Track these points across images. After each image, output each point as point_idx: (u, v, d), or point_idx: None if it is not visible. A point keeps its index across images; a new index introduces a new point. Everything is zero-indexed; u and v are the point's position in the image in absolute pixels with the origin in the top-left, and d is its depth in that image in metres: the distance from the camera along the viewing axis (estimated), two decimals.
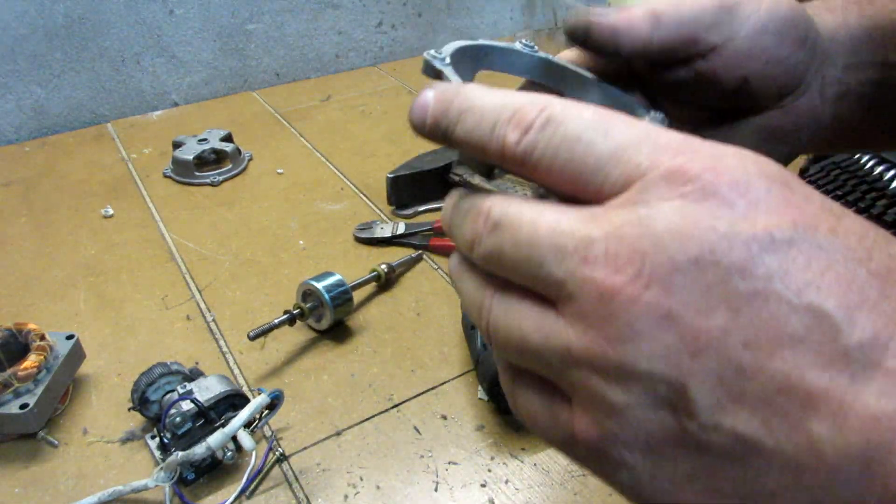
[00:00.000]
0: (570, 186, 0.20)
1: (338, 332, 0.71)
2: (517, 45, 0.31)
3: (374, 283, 0.77)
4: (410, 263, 0.80)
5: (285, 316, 0.68)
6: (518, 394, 0.23)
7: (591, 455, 0.20)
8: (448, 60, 0.26)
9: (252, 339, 0.66)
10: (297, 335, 0.71)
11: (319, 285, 0.69)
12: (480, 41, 0.29)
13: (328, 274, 0.71)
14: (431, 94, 0.23)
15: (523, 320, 0.21)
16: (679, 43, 0.30)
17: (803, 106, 0.33)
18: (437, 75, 0.26)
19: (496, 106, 0.21)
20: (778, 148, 0.34)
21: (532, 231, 0.20)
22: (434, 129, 0.23)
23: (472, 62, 0.28)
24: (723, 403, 0.17)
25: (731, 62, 0.31)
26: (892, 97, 0.34)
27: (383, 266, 0.77)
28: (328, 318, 0.69)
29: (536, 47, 0.31)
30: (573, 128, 0.20)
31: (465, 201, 0.23)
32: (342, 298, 0.70)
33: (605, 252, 0.18)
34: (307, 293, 0.70)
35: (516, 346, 0.21)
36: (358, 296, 0.74)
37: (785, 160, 0.34)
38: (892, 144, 0.38)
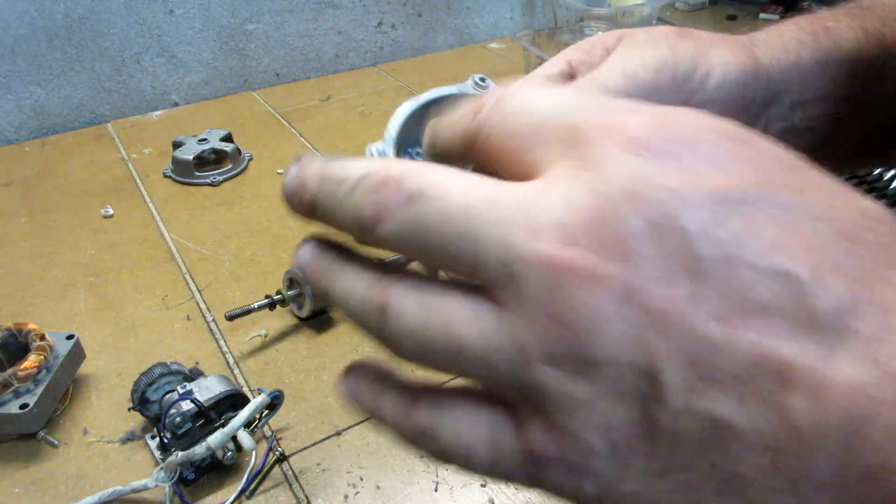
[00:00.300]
0: (509, 159, 0.18)
1: (337, 331, 0.71)
2: (469, 85, 0.30)
3: None
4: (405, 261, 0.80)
5: (265, 300, 0.69)
6: (441, 428, 0.18)
7: (551, 472, 0.17)
8: (390, 150, 0.25)
9: (229, 319, 0.68)
10: (299, 340, 0.71)
11: (295, 276, 0.71)
12: (426, 96, 0.28)
13: None
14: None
15: (452, 319, 0.17)
16: None
17: None
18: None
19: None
20: None
21: (465, 201, 0.17)
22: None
23: (427, 118, 0.29)
24: (694, 385, 0.15)
25: None
26: (846, 127, 0.34)
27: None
28: (308, 306, 0.70)
29: (489, 82, 0.30)
30: (519, 100, 0.19)
31: (350, 165, 0.18)
32: None
33: (553, 222, 0.16)
34: (292, 280, 0.72)
35: (444, 355, 0.17)
36: None
37: None
38: (848, 170, 0.38)
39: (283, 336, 0.71)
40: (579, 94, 0.18)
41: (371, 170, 0.18)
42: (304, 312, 0.71)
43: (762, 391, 0.15)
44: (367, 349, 0.69)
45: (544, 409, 0.16)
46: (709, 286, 0.15)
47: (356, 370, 0.21)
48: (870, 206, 0.16)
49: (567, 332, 0.16)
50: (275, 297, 0.70)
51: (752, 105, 0.32)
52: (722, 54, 0.31)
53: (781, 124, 0.33)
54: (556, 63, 0.31)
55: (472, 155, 0.20)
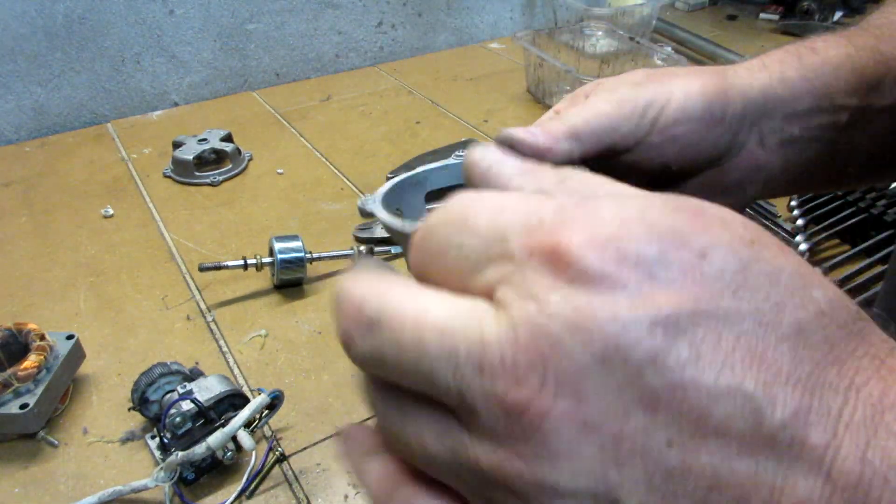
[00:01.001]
0: (457, 279, 0.18)
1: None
2: (451, 160, 0.34)
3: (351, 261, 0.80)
4: (396, 255, 0.83)
5: (240, 261, 0.75)
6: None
7: None
8: (378, 200, 0.30)
9: (202, 270, 0.74)
10: (299, 340, 0.71)
11: (277, 243, 0.75)
12: (415, 172, 0.32)
13: (293, 237, 0.77)
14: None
15: (423, 431, 0.17)
16: (599, 152, 0.32)
17: (742, 161, 0.35)
18: (370, 215, 0.30)
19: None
20: (725, 200, 0.35)
21: (416, 333, 0.17)
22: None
23: (417, 188, 0.32)
24: None
25: (650, 154, 0.33)
26: (852, 137, 0.35)
27: (362, 248, 0.81)
28: (276, 275, 0.76)
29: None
30: (443, 235, 0.18)
31: (340, 285, 0.19)
32: (292, 261, 0.75)
33: (501, 360, 0.16)
34: (271, 250, 0.76)
35: (420, 458, 0.18)
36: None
37: (739, 209, 0.36)
38: (865, 182, 0.39)
39: (255, 295, 0.76)
40: (519, 201, 0.18)
41: (341, 293, 0.19)
42: (274, 281, 0.77)
43: None
44: None
45: None
46: (663, 414, 0.15)
47: (349, 434, 0.22)
48: (821, 296, 0.16)
49: (525, 466, 0.16)
50: (248, 261, 0.75)
51: (730, 120, 0.34)
52: (684, 82, 0.33)
53: (778, 136, 0.35)
54: (547, 115, 0.33)
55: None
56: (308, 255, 0.76)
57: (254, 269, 0.75)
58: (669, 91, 0.33)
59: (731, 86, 0.34)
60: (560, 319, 0.16)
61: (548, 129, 0.30)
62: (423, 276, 0.19)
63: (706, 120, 0.33)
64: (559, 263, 0.16)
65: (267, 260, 0.75)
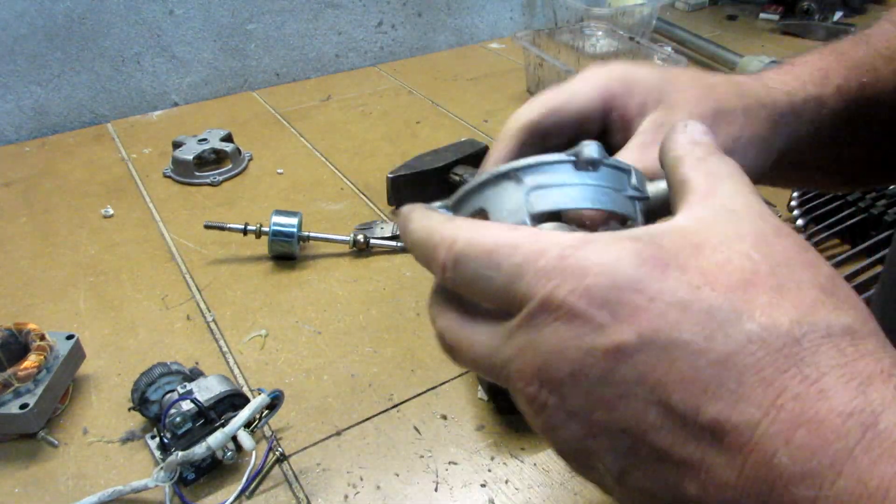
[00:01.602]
0: (493, 303, 0.25)
1: (337, 331, 0.71)
2: (551, 157, 0.32)
3: (348, 247, 0.83)
4: (393, 248, 0.83)
5: (242, 225, 0.81)
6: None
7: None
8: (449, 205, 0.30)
9: (206, 227, 0.81)
10: (299, 340, 0.71)
11: (274, 216, 0.80)
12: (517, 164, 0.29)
13: (293, 213, 0.81)
14: (401, 221, 0.29)
15: (474, 334, 0.26)
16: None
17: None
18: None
19: (425, 241, 0.27)
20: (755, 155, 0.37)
21: (470, 353, 0.26)
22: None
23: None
24: (623, 465, 0.23)
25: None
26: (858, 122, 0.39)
27: (360, 236, 0.82)
28: (268, 247, 0.81)
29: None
30: (473, 268, 0.25)
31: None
32: (284, 234, 0.80)
33: (517, 370, 0.24)
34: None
35: (467, 356, 0.26)
36: (334, 255, 0.78)
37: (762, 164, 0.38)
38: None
39: (245, 261, 0.77)
40: (515, 254, 0.24)
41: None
42: (267, 252, 0.82)
43: (668, 478, 0.22)
44: (366, 350, 0.69)
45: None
46: (617, 413, 0.22)
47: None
48: (753, 327, 0.21)
49: (543, 433, 0.24)
50: (248, 228, 0.81)
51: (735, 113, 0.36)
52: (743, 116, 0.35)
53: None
54: (590, 91, 0.36)
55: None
56: (299, 231, 0.80)
57: (253, 235, 0.81)
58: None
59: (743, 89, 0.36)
60: (546, 345, 0.23)
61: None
62: (457, 288, 0.26)
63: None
64: (550, 306, 0.23)
65: (266, 230, 0.80)
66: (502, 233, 0.24)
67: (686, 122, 0.28)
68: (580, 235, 0.23)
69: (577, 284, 0.22)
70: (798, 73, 0.38)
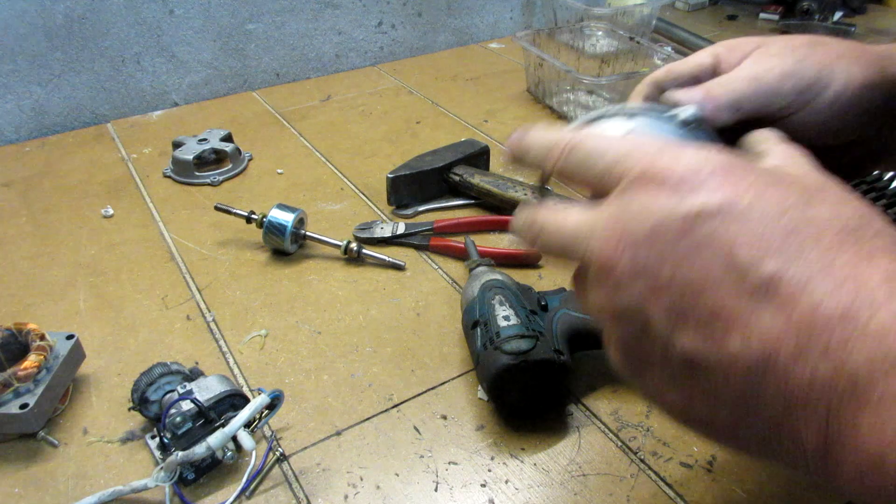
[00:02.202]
0: (592, 185, 0.30)
1: (337, 331, 0.71)
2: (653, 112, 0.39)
3: (339, 251, 0.82)
4: (384, 262, 0.80)
5: (247, 212, 0.83)
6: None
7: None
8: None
9: (216, 209, 0.84)
10: (299, 341, 0.71)
11: (274, 209, 0.81)
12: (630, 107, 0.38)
13: (294, 210, 0.82)
14: (516, 135, 0.34)
15: (585, 287, 0.30)
16: (756, 120, 0.36)
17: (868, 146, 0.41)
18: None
19: (544, 138, 0.32)
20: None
21: (561, 227, 0.30)
22: (516, 153, 0.34)
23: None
24: (674, 326, 0.25)
25: (791, 127, 0.36)
26: None
27: (353, 244, 0.81)
28: (262, 238, 0.82)
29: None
30: (585, 150, 0.30)
31: (525, 212, 0.33)
32: (276, 228, 0.81)
33: (602, 233, 0.28)
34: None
35: (587, 300, 0.30)
36: (335, 255, 0.77)
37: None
38: None
39: (246, 261, 0.74)
40: (622, 142, 0.29)
41: (528, 219, 0.33)
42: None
43: (714, 333, 0.24)
44: (366, 350, 0.69)
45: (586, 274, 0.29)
46: (683, 269, 0.25)
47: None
48: (821, 211, 0.25)
49: (605, 293, 0.28)
50: (252, 215, 0.83)
51: (883, 116, 0.37)
52: (847, 68, 0.36)
53: None
54: (705, 56, 0.40)
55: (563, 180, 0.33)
56: (294, 228, 0.81)
57: (255, 224, 0.83)
58: (831, 76, 0.36)
59: (886, 80, 0.37)
60: (634, 209, 0.27)
61: (712, 95, 0.37)
62: (558, 174, 0.32)
63: (858, 114, 0.37)
64: (644, 177, 0.27)
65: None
66: (614, 134, 0.30)
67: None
68: (675, 142, 0.29)
69: (674, 158, 0.27)
70: None
